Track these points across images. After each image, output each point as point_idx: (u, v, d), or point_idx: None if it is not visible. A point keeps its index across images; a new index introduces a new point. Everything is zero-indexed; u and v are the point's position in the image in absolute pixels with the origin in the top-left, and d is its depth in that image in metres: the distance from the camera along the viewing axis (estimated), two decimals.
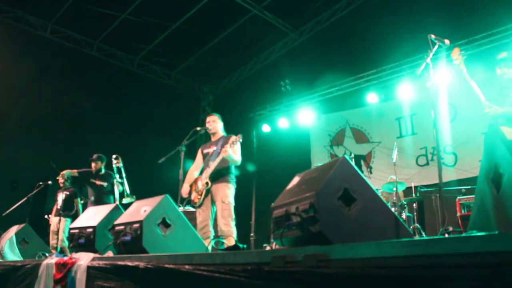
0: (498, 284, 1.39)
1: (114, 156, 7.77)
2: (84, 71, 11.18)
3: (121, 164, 7.76)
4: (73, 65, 11.11)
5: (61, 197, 8.65)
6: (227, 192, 5.47)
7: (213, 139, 5.97)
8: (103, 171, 7.91)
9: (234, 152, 5.55)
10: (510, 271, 1.37)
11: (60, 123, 10.44)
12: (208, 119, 6.10)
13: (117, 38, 11.37)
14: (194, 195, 5.65)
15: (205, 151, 5.88)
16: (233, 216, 5.42)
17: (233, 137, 5.57)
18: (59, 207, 8.56)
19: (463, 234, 2.21)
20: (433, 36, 3.94)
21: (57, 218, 8.55)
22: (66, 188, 8.73)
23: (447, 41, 3.94)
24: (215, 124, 5.99)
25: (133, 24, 10.61)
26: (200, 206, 5.56)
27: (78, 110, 10.69)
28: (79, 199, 8.81)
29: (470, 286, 1.45)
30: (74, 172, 7.81)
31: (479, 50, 8.70)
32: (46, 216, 8.96)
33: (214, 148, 5.76)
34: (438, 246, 1.56)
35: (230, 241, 5.14)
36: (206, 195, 5.52)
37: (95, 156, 7.92)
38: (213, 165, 5.51)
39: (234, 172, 5.73)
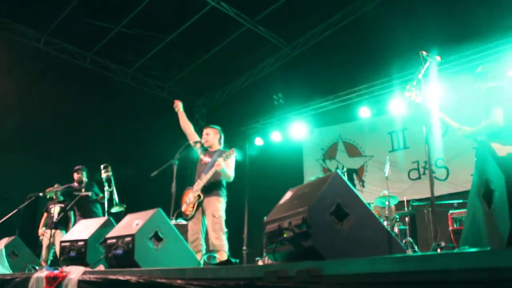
0: None
1: (102, 165, 7.69)
2: (78, 83, 11.16)
3: (110, 173, 7.69)
4: (67, 77, 11.09)
5: (56, 210, 8.57)
6: (218, 205, 5.38)
7: (210, 150, 5.85)
8: (85, 181, 7.89)
9: (227, 166, 5.46)
10: (503, 287, 1.38)
11: (53, 135, 10.40)
12: (204, 131, 6.00)
13: (110, 51, 11.38)
14: (185, 207, 5.60)
15: (201, 161, 5.79)
16: (225, 230, 5.37)
17: (228, 151, 5.49)
18: (55, 220, 8.47)
19: (455, 250, 2.22)
20: (424, 53, 3.99)
21: (52, 231, 8.43)
22: (60, 201, 8.65)
23: (438, 58, 3.99)
24: (208, 137, 5.88)
25: (126, 37, 10.62)
26: (191, 218, 5.51)
27: (71, 122, 10.66)
28: (72, 212, 8.74)
29: None
30: (55, 189, 7.78)
31: (471, 65, 8.79)
32: (40, 232, 8.84)
33: (209, 160, 5.66)
34: (431, 262, 1.57)
35: (222, 255, 5.10)
36: (197, 208, 5.47)
37: (77, 167, 8.04)
38: (205, 177, 5.45)
39: (225, 185, 5.65)
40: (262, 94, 12.25)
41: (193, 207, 5.46)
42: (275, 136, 12.12)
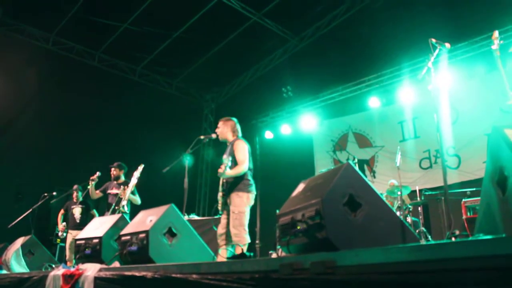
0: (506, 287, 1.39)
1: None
2: (87, 82, 11.24)
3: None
4: (76, 76, 11.17)
5: (77, 210, 8.61)
6: (237, 201, 5.22)
7: (228, 144, 5.54)
8: (122, 179, 7.86)
9: (238, 154, 5.20)
10: None
11: (64, 134, 10.48)
12: (218, 124, 5.67)
13: (118, 49, 11.45)
14: (219, 203, 5.51)
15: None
16: (245, 225, 5.25)
17: (237, 143, 5.29)
18: (78, 221, 8.50)
19: (470, 238, 2.21)
20: (433, 40, 3.95)
21: (76, 231, 8.36)
22: (80, 202, 8.69)
23: (447, 45, 3.95)
24: (218, 130, 5.58)
25: (134, 34, 10.67)
26: (221, 214, 5.49)
27: (81, 120, 10.75)
28: (95, 210, 8.79)
29: None
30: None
31: (480, 52, 8.71)
32: (61, 227, 8.86)
33: (225, 156, 5.35)
34: (445, 250, 1.56)
35: (237, 250, 5.08)
36: (224, 204, 5.43)
37: (115, 163, 7.87)
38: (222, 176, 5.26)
39: (247, 178, 5.32)
40: (271, 87, 12.25)
41: (220, 204, 5.42)
42: (285, 129, 12.10)
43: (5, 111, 10.09)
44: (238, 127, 5.64)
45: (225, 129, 5.53)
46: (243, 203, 5.23)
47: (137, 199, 7.46)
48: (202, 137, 6.01)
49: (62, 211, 8.86)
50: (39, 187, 8.94)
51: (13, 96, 10.18)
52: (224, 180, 5.35)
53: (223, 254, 5.12)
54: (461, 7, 8.43)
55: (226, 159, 5.05)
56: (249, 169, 5.31)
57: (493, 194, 2.11)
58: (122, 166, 7.89)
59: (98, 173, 7.67)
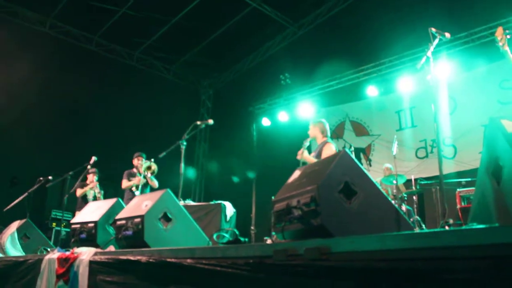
0: (499, 276, 1.40)
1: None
2: (84, 66, 11.16)
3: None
4: (73, 60, 11.09)
5: (92, 194, 8.63)
6: None
7: (318, 143, 5.97)
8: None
9: (324, 155, 5.51)
10: (509, 263, 1.38)
11: (60, 118, 10.45)
12: (310, 127, 6.11)
13: (116, 33, 11.36)
14: None
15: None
16: None
17: (326, 146, 5.61)
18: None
19: (464, 227, 2.22)
20: (433, 30, 3.93)
21: None
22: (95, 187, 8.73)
23: (447, 34, 3.93)
24: (313, 133, 5.99)
25: (132, 19, 10.59)
26: None
27: (78, 105, 10.68)
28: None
29: (472, 278, 1.46)
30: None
31: (480, 43, 8.69)
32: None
33: (314, 153, 5.78)
34: (439, 238, 1.57)
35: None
36: None
37: (136, 153, 8.20)
38: None
39: None
40: (269, 74, 12.21)
41: None
42: (282, 116, 12.09)
43: (0, 95, 10.02)
44: (327, 127, 6.05)
45: (316, 132, 5.96)
46: None
47: (155, 182, 7.87)
48: (198, 122, 6.02)
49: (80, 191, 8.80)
50: (35, 171, 8.91)
51: (8, 81, 10.10)
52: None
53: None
54: None
55: (306, 142, 5.64)
56: None
57: (488, 184, 2.12)
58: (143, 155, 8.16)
59: (94, 158, 7.68)
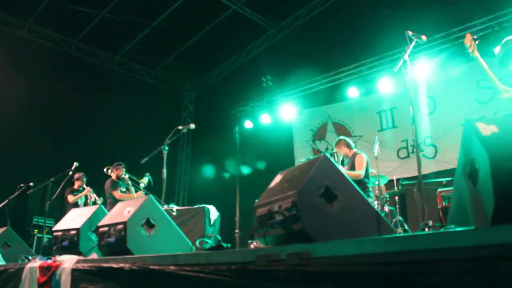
0: (477, 278, 1.43)
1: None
2: (64, 71, 11.03)
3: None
4: (52, 64, 10.95)
5: (84, 200, 8.55)
6: None
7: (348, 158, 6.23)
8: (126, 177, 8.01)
9: (357, 165, 5.88)
10: (488, 265, 1.41)
11: (40, 123, 10.30)
12: (335, 149, 6.32)
13: (96, 37, 11.27)
14: None
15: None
16: None
17: (356, 157, 5.93)
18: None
19: (441, 230, 2.26)
20: (410, 33, 3.99)
21: None
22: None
23: (423, 37, 4.00)
24: (340, 151, 6.24)
25: (112, 22, 10.51)
26: None
27: (58, 110, 10.56)
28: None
29: (449, 281, 1.49)
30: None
31: (457, 43, 8.81)
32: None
33: (347, 167, 6.08)
34: (417, 242, 1.60)
35: None
36: None
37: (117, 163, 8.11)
38: None
39: (367, 181, 5.96)
40: (251, 77, 12.23)
41: None
42: (265, 119, 12.11)
43: None
44: (349, 140, 6.42)
45: (343, 150, 6.26)
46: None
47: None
48: (180, 127, 6.01)
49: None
50: (15, 177, 8.78)
51: None
52: None
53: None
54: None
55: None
56: (365, 177, 5.95)
57: (465, 185, 2.15)
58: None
59: (75, 164, 7.62)
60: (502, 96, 4.12)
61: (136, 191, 7.88)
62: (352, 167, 5.92)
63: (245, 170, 12.10)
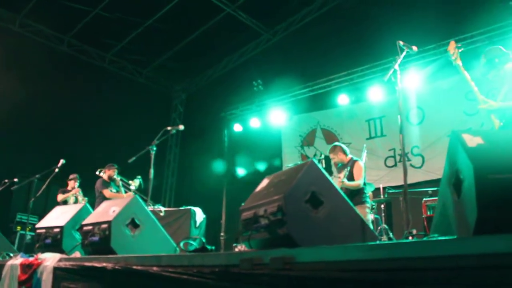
0: (458, 287, 1.45)
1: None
2: (54, 67, 10.94)
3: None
4: (42, 60, 10.84)
5: (73, 200, 8.50)
6: (365, 211, 5.82)
7: (345, 165, 6.19)
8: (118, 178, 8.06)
9: (356, 174, 5.91)
10: (468, 274, 1.42)
11: (27, 118, 10.18)
12: (330, 156, 6.32)
13: (88, 34, 11.20)
14: None
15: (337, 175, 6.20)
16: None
17: (355, 164, 5.96)
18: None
19: (425, 238, 2.28)
20: (401, 43, 4.02)
21: None
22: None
23: (414, 48, 4.03)
24: (337, 158, 6.23)
25: (105, 20, 10.45)
26: None
27: (45, 106, 10.40)
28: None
29: None
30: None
31: (447, 55, 8.87)
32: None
33: (341, 174, 6.05)
34: (400, 250, 1.61)
35: None
36: None
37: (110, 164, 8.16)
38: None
39: (364, 187, 6.02)
40: (242, 80, 12.23)
41: None
42: (254, 123, 12.12)
43: None
44: (344, 146, 6.39)
45: (340, 155, 6.23)
46: (368, 213, 5.95)
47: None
48: (169, 128, 6.00)
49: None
50: (0, 173, 8.69)
51: None
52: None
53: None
54: (431, 10, 8.59)
55: (342, 176, 5.90)
56: (363, 183, 6.02)
57: (449, 196, 2.17)
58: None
59: (62, 161, 7.56)
60: (480, 107, 4.19)
61: (126, 193, 7.88)
62: (351, 175, 5.94)
63: (233, 173, 12.09)
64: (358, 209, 5.45)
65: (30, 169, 8.18)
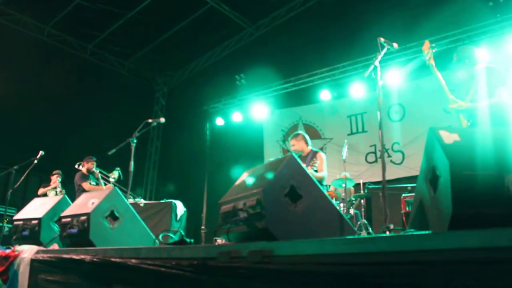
0: (428, 281, 1.47)
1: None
2: (34, 57, 10.76)
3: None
4: (21, 50, 10.65)
5: (53, 194, 8.41)
6: None
7: (303, 155, 6.07)
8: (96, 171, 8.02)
9: (319, 166, 5.81)
10: (440, 268, 1.45)
11: (5, 110, 9.99)
12: (291, 143, 6.19)
13: (69, 24, 11.03)
14: None
15: None
16: None
17: (318, 155, 5.87)
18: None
19: (401, 233, 2.31)
20: (382, 39, 4.06)
21: None
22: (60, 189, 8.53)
23: (395, 45, 4.07)
24: (298, 145, 6.12)
25: (86, 10, 10.30)
26: None
27: (24, 97, 10.24)
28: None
29: (404, 283, 1.53)
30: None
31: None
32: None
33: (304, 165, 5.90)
34: (376, 244, 1.64)
35: None
36: None
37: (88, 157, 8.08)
38: None
39: (324, 184, 5.96)
40: (225, 74, 12.20)
41: None
42: (236, 117, 12.10)
43: None
44: (307, 136, 6.28)
45: (302, 144, 6.14)
46: None
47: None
48: (150, 120, 5.95)
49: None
50: None
51: None
52: None
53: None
54: (413, 9, 8.67)
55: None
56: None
57: (426, 191, 2.21)
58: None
59: (41, 152, 7.48)
60: (450, 106, 4.26)
61: (105, 186, 7.84)
62: (313, 166, 5.82)
63: (214, 167, 12.07)
64: None
65: (8, 160, 8.06)
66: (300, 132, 6.39)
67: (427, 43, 4.28)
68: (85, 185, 7.74)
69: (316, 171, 5.81)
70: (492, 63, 4.27)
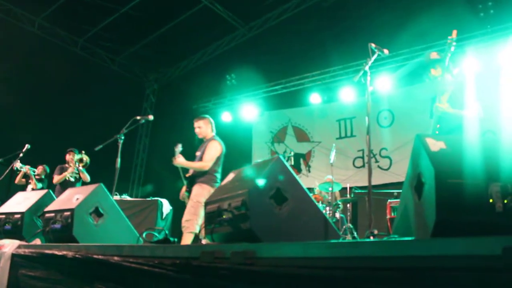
0: (410, 287, 1.48)
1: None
2: (23, 49, 10.63)
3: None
4: (11, 41, 10.54)
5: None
6: (199, 190, 5.44)
7: (205, 140, 5.89)
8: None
9: (207, 153, 5.57)
10: (422, 274, 1.45)
11: None
12: (195, 124, 5.98)
13: (61, 17, 10.93)
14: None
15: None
16: (199, 214, 5.29)
17: (210, 142, 5.64)
18: None
19: (385, 238, 2.32)
20: (373, 45, 4.07)
21: None
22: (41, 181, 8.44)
23: (386, 51, 4.08)
24: (201, 130, 5.90)
25: (78, 4, 10.21)
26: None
27: (12, 89, 10.10)
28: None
29: None
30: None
31: (418, 61, 9.03)
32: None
33: (199, 153, 5.76)
34: (359, 249, 1.64)
35: (186, 237, 5.22)
36: (188, 197, 5.60)
37: (69, 149, 8.07)
38: (192, 169, 5.66)
39: (214, 174, 5.62)
40: (215, 74, 12.18)
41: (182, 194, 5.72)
42: (226, 117, 12.09)
43: None
44: (213, 123, 6.08)
45: (206, 129, 5.93)
46: (202, 193, 5.40)
47: (87, 176, 7.88)
48: (138, 117, 5.92)
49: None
50: None
51: None
52: (189, 174, 5.73)
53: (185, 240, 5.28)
54: (406, 17, 8.71)
55: (178, 148, 5.66)
56: (216, 171, 5.64)
57: (410, 198, 2.22)
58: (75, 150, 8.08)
59: (27, 146, 7.43)
60: (438, 104, 4.28)
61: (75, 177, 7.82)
62: (202, 153, 5.65)
63: None
64: (196, 188, 5.35)
65: None
66: (207, 116, 6.15)
67: (455, 32, 4.30)
68: (54, 178, 7.85)
69: (200, 158, 5.59)
70: (481, 72, 4.32)
